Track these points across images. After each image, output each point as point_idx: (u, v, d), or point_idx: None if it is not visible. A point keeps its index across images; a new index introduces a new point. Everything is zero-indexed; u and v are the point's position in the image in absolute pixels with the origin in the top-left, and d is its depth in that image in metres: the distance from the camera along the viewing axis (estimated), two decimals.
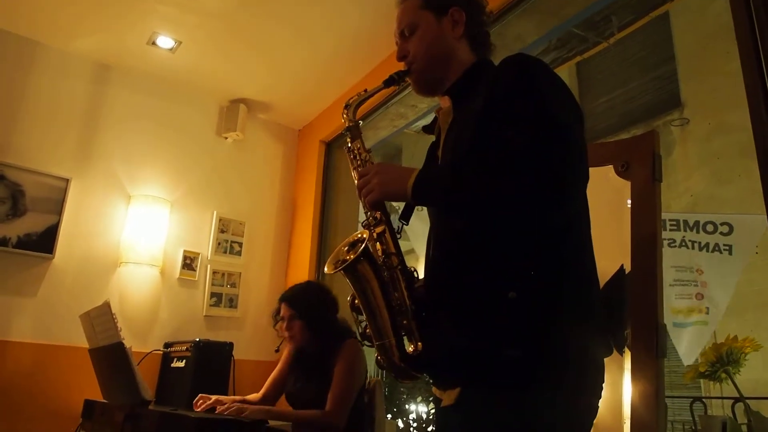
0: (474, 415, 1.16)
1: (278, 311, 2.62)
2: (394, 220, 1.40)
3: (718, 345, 2.66)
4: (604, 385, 1.21)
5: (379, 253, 1.35)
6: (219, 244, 3.93)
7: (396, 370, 1.30)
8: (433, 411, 4.54)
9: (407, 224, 1.44)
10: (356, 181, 1.37)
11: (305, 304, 2.54)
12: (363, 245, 1.30)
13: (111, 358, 2.30)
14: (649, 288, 1.90)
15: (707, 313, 4.18)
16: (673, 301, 4.19)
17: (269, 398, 2.65)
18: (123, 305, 3.47)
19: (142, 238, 3.52)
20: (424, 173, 1.23)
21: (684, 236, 4.33)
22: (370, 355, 2.50)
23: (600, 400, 1.19)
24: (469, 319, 1.17)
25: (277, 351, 2.70)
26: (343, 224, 4.01)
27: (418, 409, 5.05)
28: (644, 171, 2.01)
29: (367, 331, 1.34)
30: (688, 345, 4.11)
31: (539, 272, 1.14)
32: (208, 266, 3.86)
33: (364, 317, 1.34)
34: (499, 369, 1.11)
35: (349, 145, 1.49)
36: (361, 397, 2.47)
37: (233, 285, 3.93)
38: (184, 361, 3.13)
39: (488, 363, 1.13)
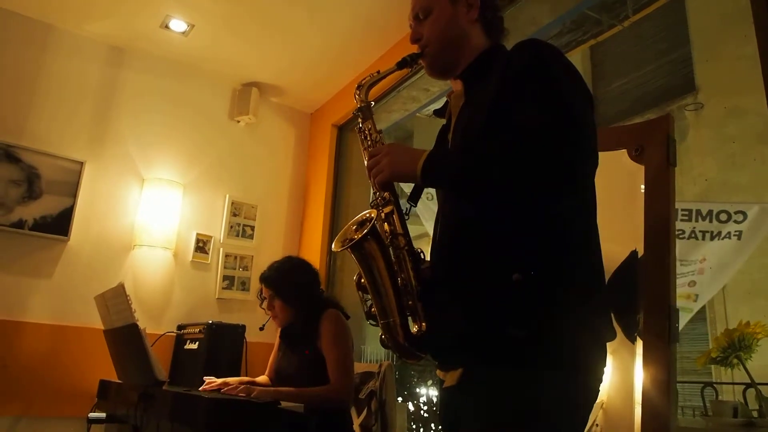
0: (476, 395, 1.17)
1: (261, 291, 2.61)
2: (404, 203, 1.40)
3: (730, 331, 2.65)
4: (609, 369, 1.22)
5: (387, 233, 1.35)
6: (231, 227, 3.96)
7: (400, 350, 1.31)
8: None
9: (415, 206, 1.44)
10: (366, 162, 1.37)
11: (281, 282, 2.52)
12: (370, 224, 1.31)
13: (125, 339, 2.33)
14: (662, 272, 1.89)
15: (695, 300, 4.11)
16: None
17: (273, 378, 2.67)
18: (137, 287, 3.51)
19: (156, 221, 3.56)
20: (434, 155, 1.24)
21: (694, 227, 4.23)
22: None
23: (601, 384, 1.20)
24: (474, 300, 1.18)
25: (261, 329, 2.68)
26: (354, 208, 4.02)
27: (429, 392, 5.08)
28: (658, 155, 1.99)
29: (372, 310, 1.35)
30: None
31: (545, 255, 1.14)
32: (221, 249, 3.89)
33: (369, 296, 1.35)
34: (502, 349, 1.12)
35: (361, 125, 1.49)
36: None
37: (245, 268, 3.96)
38: (197, 342, 3.16)
39: (491, 343, 1.14)
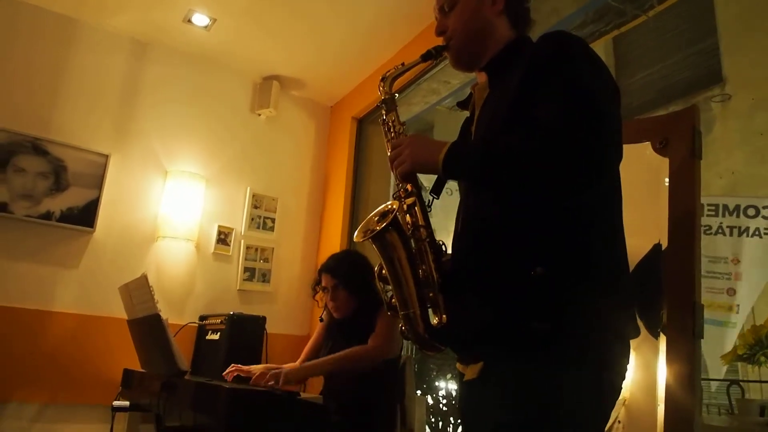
0: (497, 389, 1.16)
1: (318, 281, 2.64)
2: (426, 194, 1.40)
3: (757, 327, 2.61)
4: (632, 366, 1.21)
5: (409, 224, 1.35)
6: (252, 219, 3.98)
7: (420, 341, 1.31)
8: None
9: (438, 198, 1.44)
10: (389, 153, 1.37)
11: (348, 273, 2.55)
12: (392, 215, 1.31)
13: (148, 329, 2.36)
14: (686, 267, 1.86)
15: (737, 312, 3.98)
16: (704, 294, 3.98)
17: None
18: (160, 278, 3.55)
19: (179, 213, 3.59)
20: (456, 146, 1.24)
21: (721, 222, 4.11)
22: None
23: (624, 381, 1.19)
24: (496, 293, 1.17)
25: (321, 320, 2.73)
26: (374, 200, 4.02)
27: (448, 386, 5.07)
28: (683, 148, 1.96)
29: (393, 301, 1.35)
30: (710, 348, 3.82)
31: (568, 248, 1.14)
32: (242, 241, 3.91)
33: (390, 287, 1.35)
34: (524, 343, 1.11)
35: (384, 117, 1.50)
36: (391, 370, 2.49)
37: (266, 260, 3.99)
38: (218, 333, 3.19)
39: (513, 336, 1.13)
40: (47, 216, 3.25)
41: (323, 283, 2.60)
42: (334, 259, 2.67)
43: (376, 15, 3.38)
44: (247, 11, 3.44)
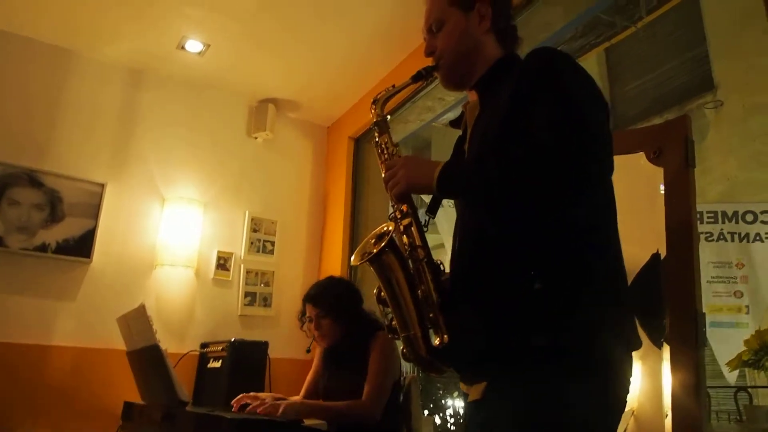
0: (502, 408, 1.15)
1: (303, 312, 2.59)
2: (422, 214, 1.40)
3: (761, 332, 2.60)
4: (638, 376, 1.20)
5: (406, 245, 1.35)
6: (252, 243, 3.98)
7: (422, 363, 1.30)
8: None
9: (434, 217, 1.43)
10: (383, 174, 1.38)
11: (331, 301, 2.50)
12: (388, 237, 1.31)
13: (148, 360, 2.34)
14: (686, 275, 1.86)
15: (747, 312, 4.00)
16: (711, 298, 4.02)
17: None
18: (159, 307, 3.54)
19: (177, 239, 3.59)
20: (450, 165, 1.24)
21: (722, 228, 4.17)
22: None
23: (628, 393, 1.18)
24: (495, 310, 1.17)
25: (308, 352, 2.66)
26: (374, 220, 4.02)
27: (455, 404, 5.03)
28: (677, 157, 1.97)
29: (393, 323, 1.34)
30: (726, 347, 3.88)
31: (565, 263, 1.13)
32: (242, 266, 3.90)
33: (390, 309, 1.34)
34: (526, 359, 1.11)
35: (377, 139, 1.50)
36: (396, 392, 2.47)
37: (267, 284, 3.97)
38: (220, 361, 3.17)
39: (515, 354, 1.12)
40: (43, 248, 3.24)
41: (308, 313, 2.55)
42: (317, 287, 2.62)
43: (370, 35, 3.41)
44: (240, 36, 3.46)
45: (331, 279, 2.71)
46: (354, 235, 4.04)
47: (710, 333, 3.95)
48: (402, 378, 2.56)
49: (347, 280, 2.70)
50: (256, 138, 4.18)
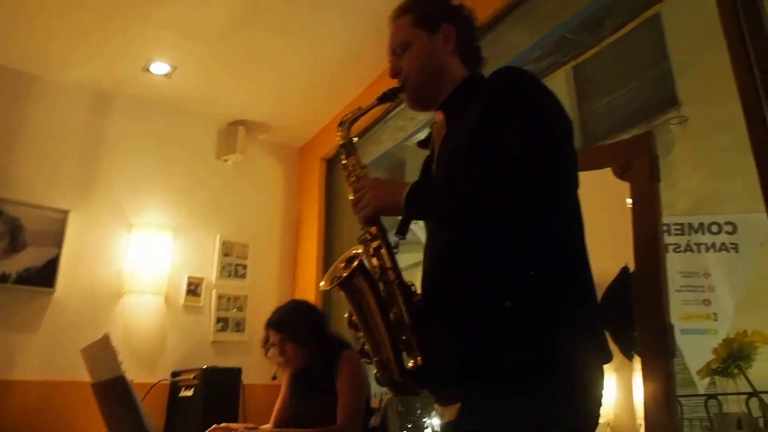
0: (475, 428, 1.14)
1: (267, 339, 2.54)
2: (391, 236, 1.38)
3: (728, 341, 2.67)
4: (613, 387, 1.20)
5: (376, 268, 1.33)
6: (223, 267, 3.92)
7: (396, 386, 1.29)
8: None
9: (404, 239, 1.42)
10: (351, 197, 1.37)
11: (294, 325, 2.46)
12: (357, 261, 1.30)
13: (113, 392, 2.27)
14: (654, 288, 1.90)
15: (715, 320, 4.12)
16: (681, 307, 4.13)
17: (281, 426, 2.59)
18: (128, 336, 3.45)
19: (145, 266, 3.52)
20: (418, 186, 1.24)
21: (689, 240, 4.31)
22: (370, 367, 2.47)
23: (600, 407, 1.17)
24: (467, 330, 1.16)
25: (274, 378, 2.61)
26: (348, 241, 3.99)
27: (434, 422, 4.99)
28: (643, 172, 2.02)
29: (365, 347, 1.32)
30: (696, 354, 3.99)
31: (534, 280, 1.13)
32: (213, 291, 3.84)
33: (361, 333, 1.32)
34: (498, 379, 1.10)
35: (344, 161, 1.49)
36: (366, 411, 2.43)
37: (240, 309, 3.91)
38: (192, 389, 3.11)
39: (486, 373, 1.12)
40: (3, 278, 3.14)
41: (271, 339, 2.50)
42: (278, 312, 2.57)
43: (340, 56, 3.41)
44: (207, 57, 3.44)
45: (292, 303, 2.68)
46: (328, 257, 4.01)
47: (682, 339, 4.03)
48: (380, 400, 2.53)
49: (309, 303, 2.67)
50: (226, 160, 4.14)
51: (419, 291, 1.35)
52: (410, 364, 1.27)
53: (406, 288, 1.31)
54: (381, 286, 1.32)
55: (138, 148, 3.79)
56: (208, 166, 4.08)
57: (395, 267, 1.33)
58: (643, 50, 6.25)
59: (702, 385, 4.14)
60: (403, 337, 1.27)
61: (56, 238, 3.33)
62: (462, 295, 1.19)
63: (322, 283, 1.38)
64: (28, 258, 3.24)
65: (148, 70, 3.53)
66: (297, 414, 2.49)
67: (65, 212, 3.39)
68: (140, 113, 3.85)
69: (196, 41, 3.28)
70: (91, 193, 3.55)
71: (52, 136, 3.51)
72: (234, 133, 4.11)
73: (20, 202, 3.28)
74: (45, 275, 3.25)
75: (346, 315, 1.38)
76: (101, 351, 2.27)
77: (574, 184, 1.13)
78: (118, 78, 3.62)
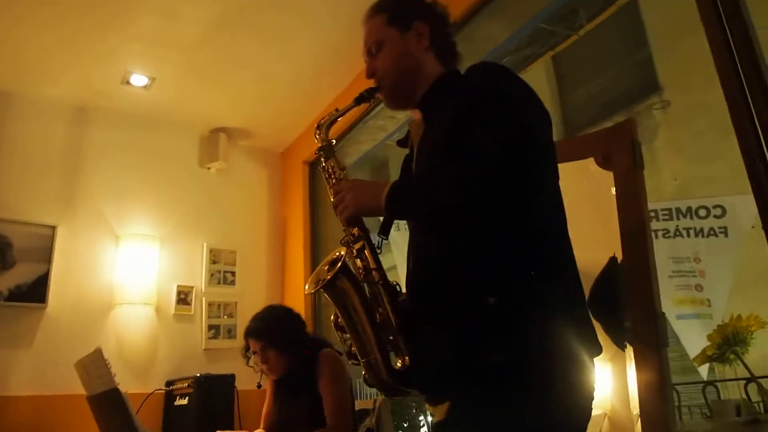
0: (464, 427, 1.14)
1: (247, 347, 2.53)
2: (374, 236, 1.38)
3: (723, 326, 2.64)
4: (609, 378, 1.19)
5: (360, 269, 1.33)
6: (212, 275, 3.91)
7: (384, 387, 1.28)
8: None
9: (387, 239, 1.42)
10: (332, 199, 1.36)
11: (272, 332, 2.45)
12: (341, 262, 1.29)
13: (108, 405, 2.27)
14: (644, 277, 1.88)
15: (709, 305, 4.10)
16: (674, 292, 4.10)
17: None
18: (121, 347, 3.44)
19: (134, 277, 3.51)
20: (398, 186, 1.23)
21: (678, 225, 4.25)
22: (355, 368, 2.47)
23: (592, 400, 1.17)
24: (452, 329, 1.16)
25: (259, 387, 2.60)
26: (334, 243, 3.95)
27: (429, 421, 4.99)
28: (625, 160, 2.00)
29: (353, 349, 1.32)
30: (692, 338, 3.98)
31: (518, 275, 1.13)
32: (203, 299, 3.83)
33: (348, 335, 1.32)
34: (486, 376, 1.09)
35: (324, 164, 1.49)
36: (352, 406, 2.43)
37: (230, 315, 3.90)
38: (186, 398, 3.10)
39: (473, 371, 1.11)
40: None
41: (251, 348, 2.49)
42: (256, 319, 2.55)
43: (316, 60, 3.40)
44: (185, 67, 3.42)
45: (269, 309, 2.65)
46: (315, 260, 4.00)
47: (678, 325, 4.02)
48: (373, 401, 2.52)
49: (285, 307, 2.65)
50: (209, 168, 4.13)
51: (404, 291, 1.35)
52: (398, 364, 1.26)
53: (391, 288, 1.31)
54: (366, 287, 1.31)
55: (121, 159, 3.77)
56: (191, 174, 4.06)
57: (379, 267, 1.33)
58: (623, 37, 6.26)
59: (704, 371, 4.11)
60: (390, 338, 1.27)
61: (45, 253, 3.32)
62: (446, 294, 1.19)
63: (306, 287, 1.38)
64: (19, 275, 3.23)
65: (127, 82, 3.52)
66: (282, 419, 2.49)
67: (53, 228, 3.38)
68: (121, 125, 3.83)
69: (172, 52, 3.26)
70: (76, 207, 3.53)
71: (35, 152, 3.48)
72: (216, 141, 4.09)
73: (7, 219, 3.27)
74: (36, 291, 3.25)
75: (332, 317, 1.37)
76: (94, 364, 2.26)
77: (553, 175, 1.13)
78: (97, 92, 3.60)
